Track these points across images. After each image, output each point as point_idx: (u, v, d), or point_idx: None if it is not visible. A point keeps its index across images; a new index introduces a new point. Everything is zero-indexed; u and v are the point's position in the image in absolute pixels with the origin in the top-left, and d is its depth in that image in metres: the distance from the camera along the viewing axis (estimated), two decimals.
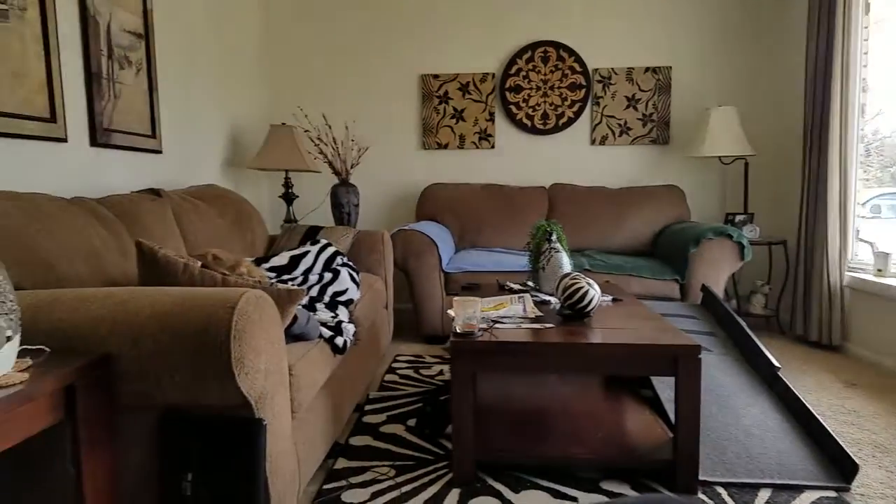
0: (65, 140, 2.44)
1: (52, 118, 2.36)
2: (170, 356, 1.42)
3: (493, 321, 2.32)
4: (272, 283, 1.81)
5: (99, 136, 2.66)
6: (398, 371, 3.39)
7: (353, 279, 2.92)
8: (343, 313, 2.69)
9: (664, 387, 2.59)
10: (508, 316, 2.41)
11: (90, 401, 1.38)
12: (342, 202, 4.45)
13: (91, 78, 2.62)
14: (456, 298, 2.18)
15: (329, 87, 4.83)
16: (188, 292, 1.51)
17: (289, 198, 4.36)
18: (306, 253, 2.90)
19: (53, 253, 1.81)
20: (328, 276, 2.86)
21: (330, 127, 4.78)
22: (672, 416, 2.36)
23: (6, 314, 1.21)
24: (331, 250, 2.94)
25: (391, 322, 3.70)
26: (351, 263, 3.03)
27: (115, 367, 1.43)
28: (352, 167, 4.54)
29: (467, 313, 2.17)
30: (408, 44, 4.75)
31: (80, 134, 2.57)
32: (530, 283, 3.00)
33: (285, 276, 2.79)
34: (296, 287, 1.82)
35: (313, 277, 2.82)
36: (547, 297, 2.71)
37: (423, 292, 3.86)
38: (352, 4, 4.77)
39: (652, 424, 2.38)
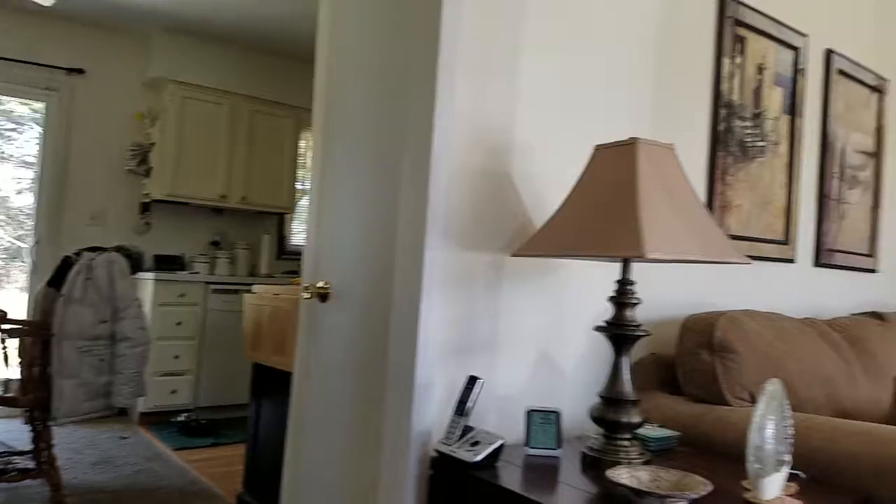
0: (793, 261, 2.58)
1: (786, 240, 2.53)
2: None
3: None
4: None
5: (822, 256, 2.71)
6: None
7: None
8: None
9: None
10: None
11: None
12: None
13: (822, 201, 2.71)
14: None
15: None
16: None
17: None
18: None
19: (796, 375, 1.90)
20: None
21: None
22: None
23: (786, 439, 1.31)
24: None
25: None
26: None
27: None
28: None
29: None
30: None
31: (805, 254, 2.67)
32: None
33: None
34: None
35: None
36: None
37: None
38: None
39: None
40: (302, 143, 5.23)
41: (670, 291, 2.14)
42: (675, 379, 1.95)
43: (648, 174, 1.43)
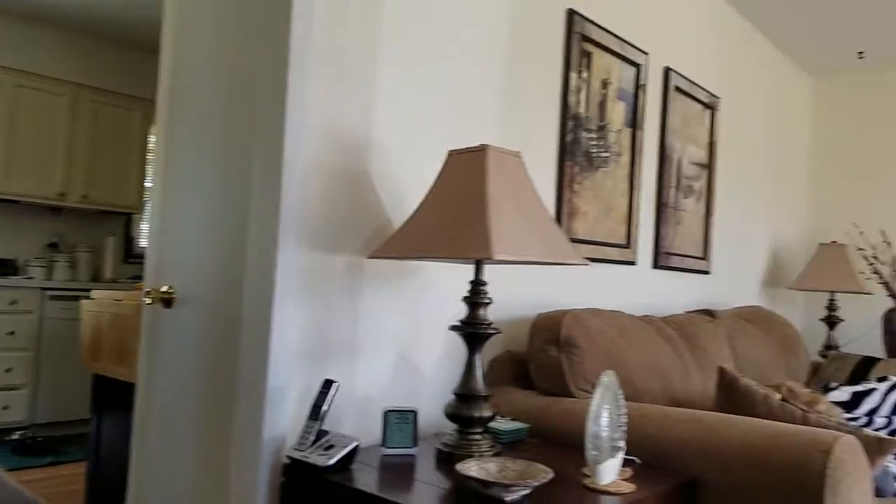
0: (634, 263, 2.78)
1: (628, 244, 2.73)
2: (759, 495, 1.42)
3: None
4: (857, 428, 1.66)
5: (660, 259, 2.95)
6: None
7: None
8: None
9: None
10: None
11: None
12: None
13: (660, 208, 2.95)
14: None
15: (891, 200, 4.30)
16: (777, 427, 1.50)
17: (831, 322, 3.99)
18: (871, 391, 2.57)
19: (635, 368, 2.05)
20: None
21: (889, 244, 4.22)
22: None
23: (620, 426, 1.41)
24: None
25: None
26: None
27: (702, 492, 1.50)
28: None
29: None
30: None
31: (645, 258, 2.89)
32: None
33: (845, 416, 2.52)
34: (889, 437, 1.62)
35: (879, 420, 2.48)
36: None
37: None
38: None
39: None
40: (152, 138, 4.91)
41: (525, 292, 2.24)
42: (528, 374, 2.03)
43: (497, 179, 1.49)
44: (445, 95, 1.90)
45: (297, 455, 1.39)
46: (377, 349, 1.72)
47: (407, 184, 1.80)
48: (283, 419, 1.48)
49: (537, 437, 1.78)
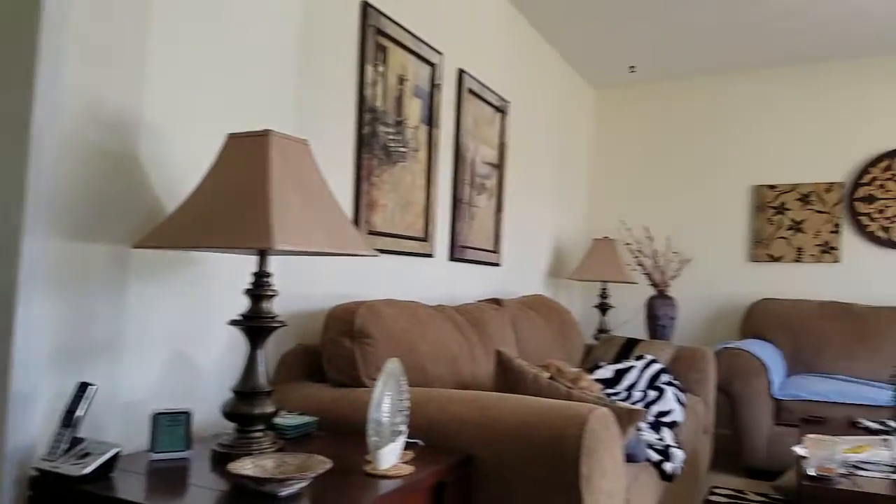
0: (431, 256, 2.88)
1: (425, 238, 2.81)
2: (526, 466, 1.53)
3: (853, 466, 2.04)
4: (613, 401, 1.86)
5: (455, 252, 3.08)
6: None
7: (678, 400, 2.82)
8: (668, 436, 2.59)
9: None
10: (872, 462, 2.09)
11: (455, 499, 1.54)
12: (658, 314, 4.38)
13: (455, 204, 3.08)
14: (810, 435, 1.97)
15: (652, 200, 4.89)
16: (543, 404, 1.63)
17: (603, 308, 4.45)
18: (631, 368, 2.91)
19: (426, 355, 2.12)
20: (652, 394, 2.81)
21: (651, 239, 4.81)
22: None
23: (402, 411, 1.44)
24: (656, 367, 2.90)
25: (709, 449, 3.45)
26: (677, 383, 2.93)
27: (477, 468, 1.59)
28: (671, 279, 4.46)
29: (824, 454, 1.94)
30: (739, 155, 4.62)
31: (442, 250, 3.00)
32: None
33: (608, 391, 2.82)
34: (638, 408, 1.84)
35: (637, 394, 2.80)
36: None
37: (747, 419, 3.57)
38: (679, 119, 4.84)
39: None
40: None
41: (324, 285, 2.21)
42: (322, 367, 2.01)
43: (281, 167, 1.45)
44: (231, 79, 1.81)
45: (47, 466, 1.24)
46: (147, 348, 1.59)
47: (184, 168, 1.69)
48: (31, 428, 1.32)
49: (327, 429, 1.76)
